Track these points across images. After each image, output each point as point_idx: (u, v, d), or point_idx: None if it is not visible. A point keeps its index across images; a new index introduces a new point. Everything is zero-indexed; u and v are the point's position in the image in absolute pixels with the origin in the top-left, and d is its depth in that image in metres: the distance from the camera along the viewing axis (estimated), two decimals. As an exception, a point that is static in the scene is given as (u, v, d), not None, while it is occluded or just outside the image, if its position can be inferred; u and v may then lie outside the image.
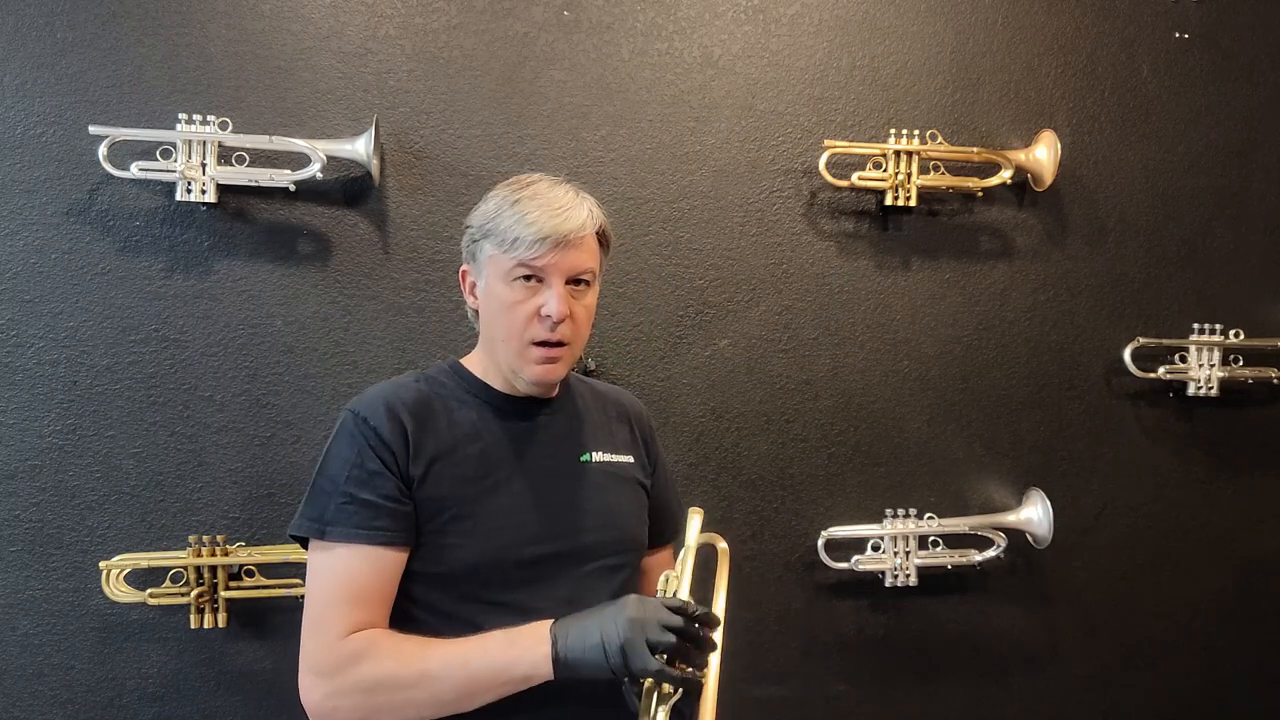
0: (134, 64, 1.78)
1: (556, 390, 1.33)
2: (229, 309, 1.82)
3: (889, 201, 1.99)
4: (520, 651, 1.09)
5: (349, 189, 1.86)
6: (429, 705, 1.11)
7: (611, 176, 1.95)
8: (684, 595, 1.16)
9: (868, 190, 2.02)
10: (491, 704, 1.12)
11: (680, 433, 1.98)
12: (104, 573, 1.72)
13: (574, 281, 1.22)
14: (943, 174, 2.03)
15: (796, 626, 2.03)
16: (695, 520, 1.24)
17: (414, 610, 1.19)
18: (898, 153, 1.98)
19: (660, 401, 1.96)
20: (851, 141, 2.00)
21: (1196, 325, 2.15)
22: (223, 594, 1.75)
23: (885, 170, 1.99)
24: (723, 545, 1.29)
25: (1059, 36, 2.12)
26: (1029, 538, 2.05)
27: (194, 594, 1.74)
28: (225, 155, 1.77)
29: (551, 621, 1.11)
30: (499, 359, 1.25)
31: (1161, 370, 2.12)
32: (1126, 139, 2.16)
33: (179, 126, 1.74)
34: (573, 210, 1.20)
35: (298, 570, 1.78)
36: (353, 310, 1.86)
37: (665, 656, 1.05)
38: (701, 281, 1.99)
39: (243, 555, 1.77)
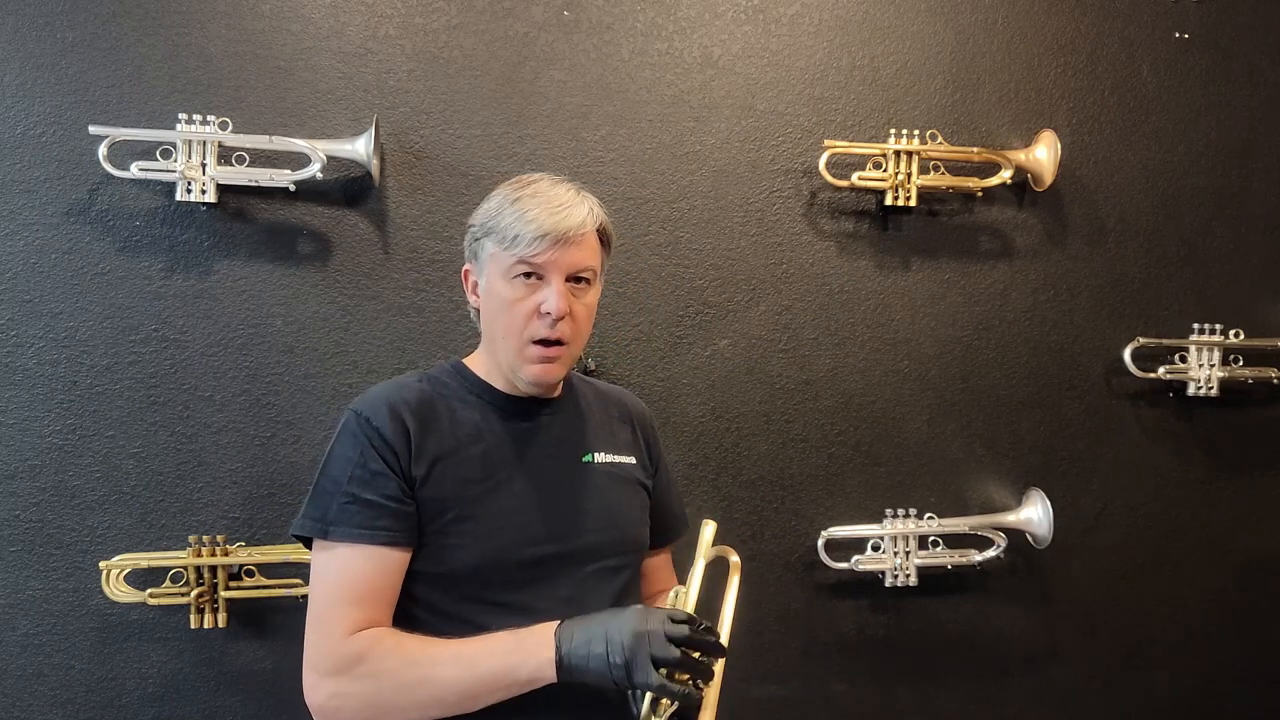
0: (134, 64, 1.78)
1: (559, 390, 1.33)
2: (229, 309, 1.82)
3: (889, 201, 1.99)
4: (524, 654, 1.09)
5: (349, 189, 1.86)
6: (432, 705, 1.11)
7: (611, 176, 1.95)
8: (691, 608, 1.16)
9: (868, 190, 2.02)
10: (495, 705, 1.12)
11: (680, 433, 1.98)
12: (104, 573, 1.72)
13: (574, 279, 1.22)
14: (943, 174, 2.03)
15: (796, 626, 2.04)
16: (708, 532, 1.23)
17: (415, 610, 1.19)
18: (898, 153, 1.98)
19: (660, 402, 1.96)
20: (851, 141, 2.00)
21: (1196, 325, 2.15)
22: (223, 594, 1.75)
23: (885, 170, 1.99)
24: (735, 559, 1.26)
25: (1059, 36, 2.12)
26: (1029, 538, 2.05)
27: (194, 594, 1.74)
28: (225, 155, 1.77)
29: (556, 624, 1.11)
30: (500, 357, 1.25)
31: (1161, 370, 2.12)
32: (1126, 139, 2.16)
33: (179, 126, 1.74)
34: (573, 208, 1.21)
35: (298, 570, 1.79)
36: (353, 310, 1.86)
37: (666, 671, 1.05)
38: (701, 281, 1.99)
39: (243, 555, 1.77)
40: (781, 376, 2.03)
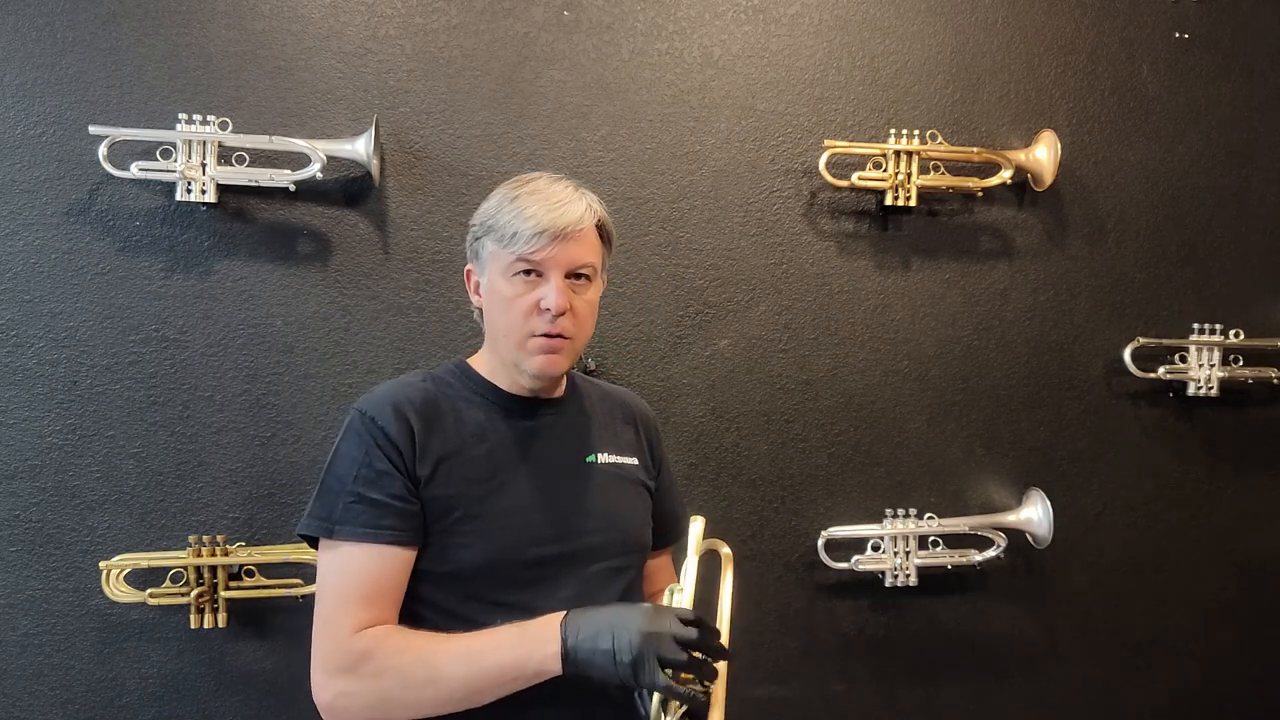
0: (134, 64, 1.78)
1: (562, 390, 1.33)
2: (229, 309, 1.82)
3: (889, 201, 1.99)
4: (530, 648, 1.09)
5: (349, 189, 1.86)
6: (440, 701, 1.11)
7: (611, 176, 1.95)
8: (689, 605, 1.16)
9: (868, 190, 2.02)
10: (502, 700, 1.12)
11: (680, 433, 1.98)
12: (104, 573, 1.72)
13: (574, 276, 1.22)
14: (943, 174, 2.03)
15: (796, 626, 2.03)
16: (696, 527, 1.24)
17: (419, 609, 1.19)
18: (898, 153, 1.98)
19: (660, 402, 1.96)
20: (851, 141, 2.00)
21: (1196, 325, 2.15)
22: (223, 594, 1.75)
23: (885, 170, 1.99)
24: (726, 551, 1.28)
25: (1059, 36, 2.12)
26: (1029, 538, 2.05)
27: (194, 594, 1.74)
28: (225, 155, 1.77)
29: (562, 615, 1.11)
30: (503, 355, 1.25)
31: (1161, 370, 2.12)
32: (1126, 139, 2.16)
33: (179, 126, 1.74)
34: (570, 204, 1.21)
35: (298, 570, 1.79)
36: (353, 310, 1.86)
37: (671, 672, 1.05)
38: (701, 281, 1.99)
39: (243, 555, 1.77)
40: (781, 376, 2.03)
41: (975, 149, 2.03)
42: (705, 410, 2.00)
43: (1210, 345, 2.13)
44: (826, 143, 1.97)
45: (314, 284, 1.85)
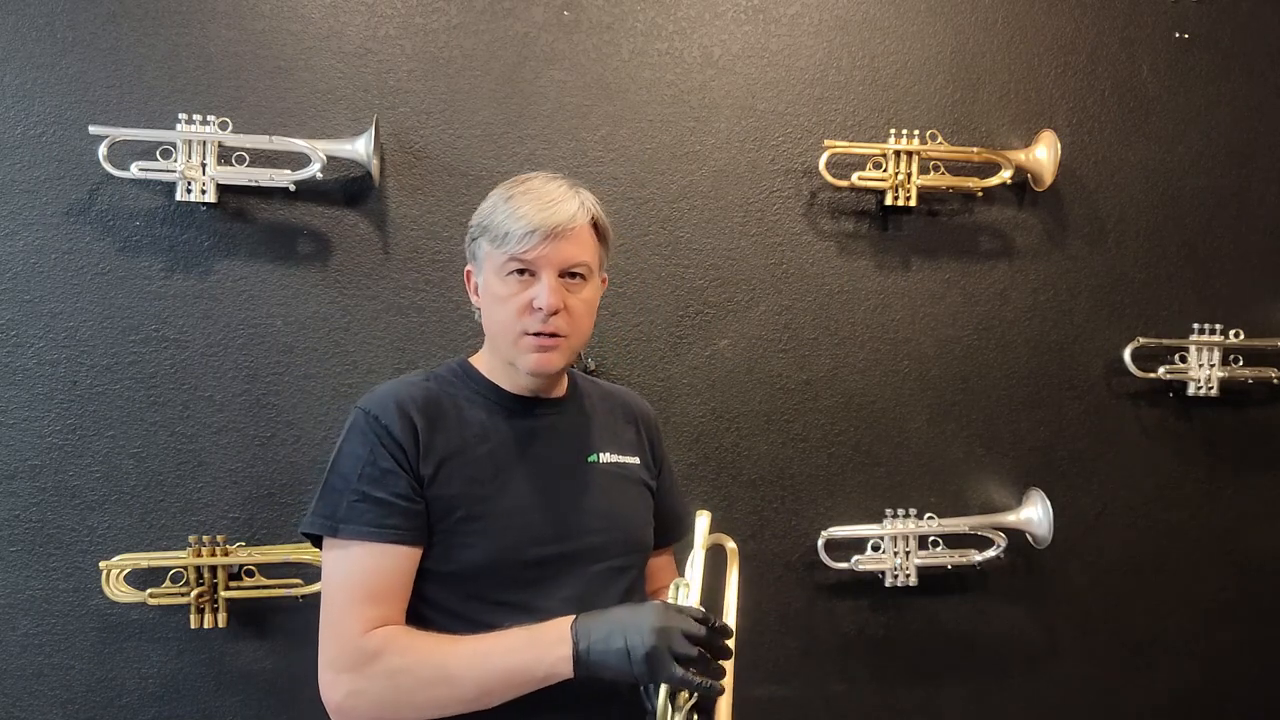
0: (134, 64, 1.78)
1: (564, 389, 1.33)
2: (229, 309, 1.82)
3: (889, 201, 1.99)
4: (540, 651, 1.09)
5: (349, 189, 1.86)
6: (448, 702, 1.11)
7: (611, 176, 1.95)
8: (695, 600, 1.17)
9: (868, 190, 2.02)
10: (510, 702, 1.12)
11: (680, 433, 1.98)
12: (104, 573, 1.72)
13: (568, 274, 1.22)
14: (943, 174, 2.03)
15: (796, 626, 2.04)
16: (702, 521, 1.24)
17: (422, 608, 1.19)
18: (898, 153, 1.98)
19: (660, 402, 1.96)
20: (851, 141, 2.00)
21: (1196, 325, 2.15)
22: (223, 594, 1.75)
23: (885, 170, 1.99)
24: (731, 546, 1.29)
25: (1059, 36, 2.12)
26: (1029, 538, 2.05)
27: (194, 594, 1.73)
28: (225, 155, 1.77)
29: (571, 619, 1.11)
30: (501, 353, 1.26)
31: (1161, 370, 2.12)
32: (1126, 139, 2.16)
33: (179, 126, 1.74)
34: (562, 203, 1.20)
35: (298, 570, 1.79)
36: (353, 310, 1.86)
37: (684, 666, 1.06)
38: (701, 281, 1.99)
39: (243, 555, 1.77)
40: (781, 376, 2.03)
41: (975, 149, 2.03)
42: (705, 410, 2.00)
43: (1210, 345, 2.13)
44: (826, 143, 1.97)
45: (314, 284, 1.85)
